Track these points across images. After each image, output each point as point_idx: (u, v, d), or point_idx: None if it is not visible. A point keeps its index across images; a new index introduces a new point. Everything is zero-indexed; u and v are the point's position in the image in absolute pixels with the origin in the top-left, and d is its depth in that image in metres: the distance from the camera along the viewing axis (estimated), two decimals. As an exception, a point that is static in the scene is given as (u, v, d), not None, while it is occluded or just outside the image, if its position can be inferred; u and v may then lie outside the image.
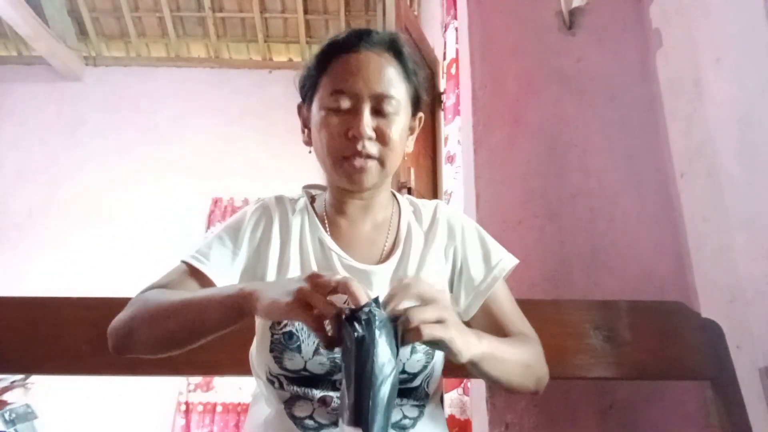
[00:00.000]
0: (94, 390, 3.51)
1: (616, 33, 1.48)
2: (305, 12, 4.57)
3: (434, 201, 0.91)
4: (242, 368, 0.84)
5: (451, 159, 2.06)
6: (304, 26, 4.65)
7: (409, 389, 0.75)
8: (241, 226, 0.82)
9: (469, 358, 0.63)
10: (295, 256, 0.80)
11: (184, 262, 0.79)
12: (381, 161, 0.77)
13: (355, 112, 0.75)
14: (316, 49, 0.82)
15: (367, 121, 0.75)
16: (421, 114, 0.87)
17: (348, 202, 0.83)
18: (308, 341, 0.73)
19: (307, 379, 0.73)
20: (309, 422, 0.73)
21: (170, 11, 4.55)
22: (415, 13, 3.28)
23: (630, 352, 1.07)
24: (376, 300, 0.57)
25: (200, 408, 3.84)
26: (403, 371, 0.74)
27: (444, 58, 2.33)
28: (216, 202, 4.34)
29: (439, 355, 0.79)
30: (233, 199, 4.34)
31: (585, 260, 1.28)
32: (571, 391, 1.19)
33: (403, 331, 0.57)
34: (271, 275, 0.79)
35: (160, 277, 0.79)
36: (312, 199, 0.88)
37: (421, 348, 0.75)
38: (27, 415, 3.06)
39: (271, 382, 0.75)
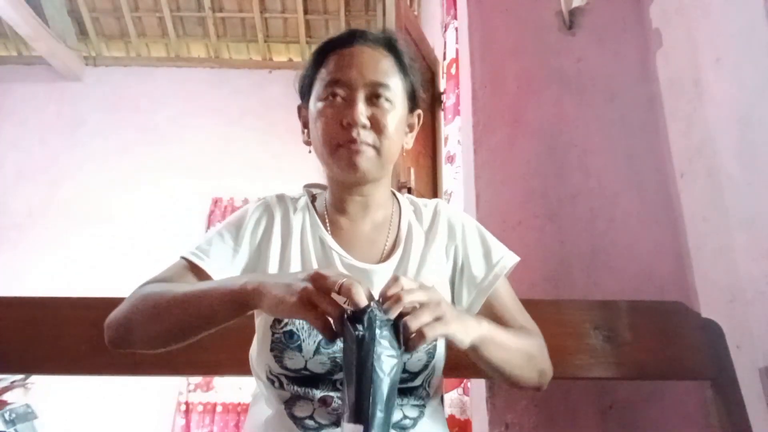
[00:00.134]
0: (94, 390, 3.51)
1: (616, 33, 1.48)
2: (305, 12, 4.57)
3: (434, 200, 0.91)
4: (242, 368, 0.84)
5: (451, 159, 2.06)
6: (304, 26, 4.65)
7: (410, 388, 0.75)
8: (242, 224, 0.82)
9: (471, 342, 0.64)
10: (296, 255, 0.80)
11: (183, 258, 0.79)
12: (377, 149, 0.77)
13: (349, 101, 0.76)
14: (313, 49, 0.83)
15: (361, 109, 0.75)
16: (419, 111, 0.87)
17: (348, 200, 0.83)
18: (309, 340, 0.73)
19: (307, 378, 0.73)
20: (309, 422, 0.73)
21: (170, 11, 4.55)
22: (415, 13, 3.28)
23: (630, 352, 1.07)
24: (377, 302, 0.58)
25: (200, 408, 3.84)
26: (404, 370, 0.74)
27: (444, 58, 2.33)
28: (216, 202, 4.34)
29: (440, 355, 0.79)
30: (233, 199, 4.34)
31: (585, 260, 1.28)
32: (571, 391, 1.19)
33: (406, 339, 0.57)
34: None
35: (159, 272, 0.78)
36: (313, 198, 0.88)
37: (422, 347, 0.75)
38: (27, 415, 3.06)
39: (272, 382, 0.75)
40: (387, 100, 0.77)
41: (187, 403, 3.83)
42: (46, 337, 1.06)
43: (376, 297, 0.59)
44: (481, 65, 1.48)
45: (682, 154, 1.29)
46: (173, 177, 4.35)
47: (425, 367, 0.76)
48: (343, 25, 4.61)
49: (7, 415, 2.96)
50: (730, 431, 0.99)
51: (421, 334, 0.57)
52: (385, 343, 0.55)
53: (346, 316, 0.56)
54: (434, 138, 2.57)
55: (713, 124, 1.16)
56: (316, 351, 0.72)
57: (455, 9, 2.00)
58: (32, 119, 4.56)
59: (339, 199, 0.84)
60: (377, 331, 0.55)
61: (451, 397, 1.64)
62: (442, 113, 2.45)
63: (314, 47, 0.84)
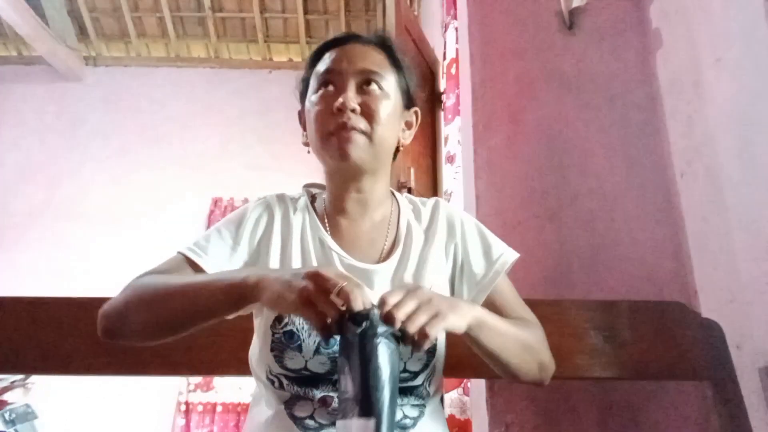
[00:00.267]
0: (94, 390, 3.51)
1: (616, 33, 1.48)
2: (305, 12, 4.57)
3: (433, 198, 0.91)
4: (242, 368, 0.84)
5: (451, 159, 2.06)
6: (304, 26, 4.66)
7: (410, 388, 0.75)
8: (241, 222, 0.82)
9: (467, 325, 0.64)
10: (297, 255, 0.80)
11: (180, 253, 0.78)
12: (369, 137, 0.77)
13: (340, 89, 0.77)
14: (313, 49, 0.85)
15: (351, 94, 0.76)
16: (416, 108, 0.87)
17: (345, 197, 0.83)
18: (309, 341, 0.73)
19: (307, 378, 0.73)
20: (309, 422, 0.73)
21: (170, 11, 4.55)
22: (415, 13, 3.28)
23: (630, 352, 1.07)
24: (375, 306, 0.58)
25: (200, 408, 3.84)
26: (405, 370, 0.74)
27: (444, 58, 2.33)
28: (216, 202, 4.35)
29: (440, 354, 0.79)
30: (233, 199, 4.34)
31: (585, 260, 1.28)
32: (571, 391, 1.19)
33: (411, 343, 0.58)
34: None
35: (156, 265, 0.78)
36: (312, 199, 0.88)
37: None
38: (27, 415, 3.06)
39: (272, 382, 0.75)
40: (378, 88, 0.78)
41: (187, 403, 3.83)
42: (46, 337, 1.06)
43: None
44: (481, 65, 1.48)
45: (682, 154, 1.29)
46: (173, 177, 4.35)
47: (426, 366, 0.76)
48: (343, 25, 4.61)
49: (7, 415, 2.96)
50: (730, 431, 0.99)
51: (424, 335, 0.57)
52: (386, 341, 0.56)
53: (347, 316, 0.57)
54: (434, 138, 2.57)
55: (713, 124, 1.16)
56: (316, 351, 0.72)
57: (455, 9, 2.00)
58: (32, 119, 4.56)
59: (337, 197, 0.84)
60: (379, 329, 0.56)
61: (451, 397, 1.64)
62: (442, 113, 2.45)
63: (314, 47, 0.85)
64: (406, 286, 0.64)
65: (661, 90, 1.39)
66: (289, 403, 0.74)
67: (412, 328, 0.57)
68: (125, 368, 1.07)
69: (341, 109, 0.75)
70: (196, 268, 0.77)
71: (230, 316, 0.73)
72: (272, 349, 0.74)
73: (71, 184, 4.34)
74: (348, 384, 0.56)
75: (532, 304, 0.88)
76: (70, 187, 4.32)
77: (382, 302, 0.58)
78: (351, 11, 4.61)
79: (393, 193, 0.90)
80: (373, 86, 0.78)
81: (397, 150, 0.86)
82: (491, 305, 0.83)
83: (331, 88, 0.78)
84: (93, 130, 4.52)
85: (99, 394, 3.51)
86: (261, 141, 4.46)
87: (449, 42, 2.20)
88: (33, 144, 4.48)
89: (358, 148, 0.76)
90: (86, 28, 4.65)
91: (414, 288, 0.61)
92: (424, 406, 0.77)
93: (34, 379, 3.29)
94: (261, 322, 0.77)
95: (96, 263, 3.96)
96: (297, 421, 0.73)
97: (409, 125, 0.86)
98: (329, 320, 0.57)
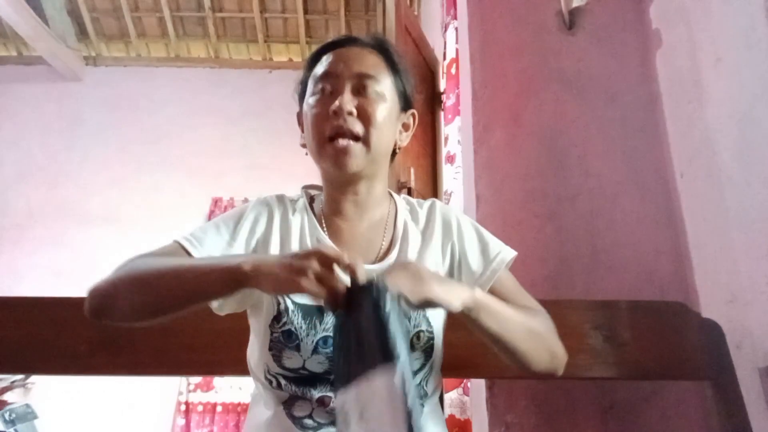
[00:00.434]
0: (94, 390, 3.51)
1: (616, 33, 1.48)
2: (305, 12, 4.57)
3: (429, 199, 0.91)
4: (242, 368, 0.84)
5: (451, 159, 2.06)
6: (304, 26, 4.66)
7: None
8: (240, 219, 0.82)
9: (462, 304, 0.66)
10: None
11: (177, 241, 0.78)
12: (365, 142, 0.77)
13: (336, 92, 0.78)
14: (313, 49, 0.86)
15: (348, 97, 0.76)
16: (413, 111, 0.87)
17: (341, 200, 0.83)
18: (307, 340, 0.73)
19: (305, 378, 0.74)
20: (308, 421, 0.73)
21: (170, 11, 4.55)
22: (415, 13, 3.28)
23: (630, 352, 1.07)
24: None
25: (200, 408, 3.84)
26: None
27: (444, 58, 2.33)
28: (216, 202, 4.35)
29: (437, 353, 0.79)
30: (233, 199, 4.35)
31: (585, 260, 1.28)
32: (571, 391, 1.19)
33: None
34: None
35: (151, 250, 0.77)
36: (311, 200, 0.88)
37: (419, 346, 0.75)
38: (27, 415, 3.06)
39: (270, 382, 0.75)
40: (375, 91, 0.78)
41: (187, 403, 3.83)
42: (46, 337, 1.06)
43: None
44: (481, 65, 1.48)
45: (682, 154, 1.29)
46: (173, 177, 4.35)
47: (422, 366, 0.76)
48: (343, 25, 4.61)
49: (7, 415, 2.96)
50: (730, 431, 0.99)
51: (404, 298, 0.60)
52: (393, 300, 0.58)
53: (355, 287, 0.59)
54: (434, 138, 2.57)
55: (713, 124, 1.16)
56: (315, 350, 0.73)
57: (455, 9, 2.00)
58: (32, 119, 4.55)
59: (334, 199, 0.84)
60: (388, 295, 0.58)
61: (451, 397, 1.64)
62: (442, 113, 2.45)
63: (314, 47, 0.85)
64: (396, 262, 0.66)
65: (661, 90, 1.39)
66: (288, 403, 0.74)
67: (393, 289, 0.59)
68: (125, 368, 1.08)
69: (337, 113, 0.75)
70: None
71: (216, 303, 0.75)
72: (270, 349, 0.74)
73: (71, 184, 4.34)
74: (359, 346, 0.58)
75: (532, 303, 0.88)
76: (70, 187, 4.32)
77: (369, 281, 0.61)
78: (351, 11, 4.61)
79: (391, 194, 0.90)
80: (370, 89, 0.78)
81: (394, 152, 0.86)
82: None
83: (328, 91, 0.78)
84: (93, 130, 4.52)
85: (99, 394, 3.51)
86: (261, 141, 4.46)
87: (449, 42, 2.20)
88: (33, 144, 4.48)
89: (354, 157, 0.76)
90: (86, 28, 4.65)
91: (407, 262, 0.64)
92: (422, 405, 0.77)
93: (34, 379, 3.29)
94: (259, 321, 0.77)
95: (96, 263, 3.95)
96: (296, 420, 0.73)
97: (406, 127, 0.86)
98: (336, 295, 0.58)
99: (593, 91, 1.43)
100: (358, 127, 0.76)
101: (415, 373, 0.75)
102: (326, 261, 0.59)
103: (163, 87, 4.71)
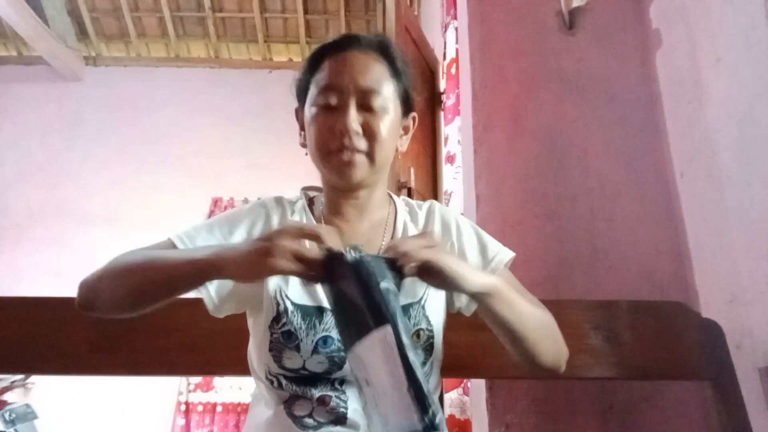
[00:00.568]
0: (94, 390, 3.51)
1: (616, 33, 1.48)
2: (305, 12, 4.57)
3: (428, 201, 0.91)
4: (242, 368, 0.84)
5: (451, 159, 2.06)
6: (304, 26, 4.66)
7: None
8: (234, 221, 0.81)
9: (479, 287, 0.66)
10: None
11: (169, 238, 0.79)
12: (370, 156, 0.77)
13: (342, 107, 0.76)
14: (313, 49, 0.84)
15: (353, 116, 0.75)
16: (414, 114, 0.87)
17: (343, 203, 0.83)
18: (307, 340, 0.73)
19: (306, 378, 0.74)
20: (308, 421, 0.73)
21: (170, 11, 4.55)
22: (415, 13, 3.28)
23: (630, 352, 1.07)
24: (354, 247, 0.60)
25: (200, 408, 3.84)
26: None
27: (444, 58, 2.33)
28: (216, 202, 4.35)
29: (437, 352, 0.79)
30: (233, 199, 4.35)
31: (585, 260, 1.28)
32: (571, 391, 1.19)
33: (396, 257, 0.61)
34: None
35: (146, 246, 0.79)
36: (310, 201, 0.88)
37: (419, 344, 0.75)
38: (27, 415, 3.06)
39: (271, 382, 0.75)
40: (379, 106, 0.77)
41: (187, 403, 3.83)
42: (45, 337, 1.06)
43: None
44: (481, 65, 1.48)
45: (682, 154, 1.29)
46: (173, 177, 4.35)
47: (423, 364, 0.76)
48: (343, 25, 4.61)
49: (7, 415, 2.96)
50: (730, 431, 0.99)
51: (407, 256, 0.61)
52: (378, 262, 0.59)
53: (332, 255, 0.59)
54: (434, 138, 2.57)
55: (713, 124, 1.16)
56: (314, 350, 0.73)
57: (455, 9, 2.00)
58: (32, 119, 4.56)
59: (334, 202, 0.84)
60: (368, 258, 0.58)
61: (451, 397, 1.64)
62: (442, 113, 2.45)
63: (314, 47, 0.84)
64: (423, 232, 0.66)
65: (661, 90, 1.39)
66: (288, 403, 0.75)
67: (402, 247, 0.61)
68: (125, 368, 1.07)
69: (343, 132, 0.75)
70: None
71: (212, 305, 0.76)
72: (270, 350, 0.74)
73: (71, 184, 4.34)
74: (350, 312, 0.58)
75: (532, 303, 0.88)
76: (70, 187, 4.32)
77: (392, 247, 0.63)
78: (351, 11, 4.61)
79: (390, 196, 0.90)
80: (374, 104, 0.77)
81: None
82: None
83: (332, 104, 0.77)
84: (93, 130, 4.52)
85: (99, 394, 3.51)
86: (261, 141, 4.46)
87: (449, 42, 2.20)
88: (33, 144, 4.48)
89: (359, 169, 0.77)
90: (86, 28, 4.65)
91: (427, 233, 0.64)
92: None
93: (34, 379, 3.29)
94: (258, 322, 0.77)
95: (96, 263, 3.95)
96: (296, 419, 0.73)
97: (406, 130, 0.86)
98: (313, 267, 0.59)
99: (593, 91, 1.43)
100: (363, 144, 0.76)
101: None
102: (292, 236, 0.59)
103: (163, 87, 4.71)
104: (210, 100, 4.67)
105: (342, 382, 0.74)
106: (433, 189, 2.43)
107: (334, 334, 0.73)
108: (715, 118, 1.15)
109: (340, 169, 0.76)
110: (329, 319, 0.73)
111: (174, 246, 0.77)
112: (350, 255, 0.58)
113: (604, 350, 1.06)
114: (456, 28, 2.00)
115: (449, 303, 0.83)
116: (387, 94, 0.78)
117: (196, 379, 3.87)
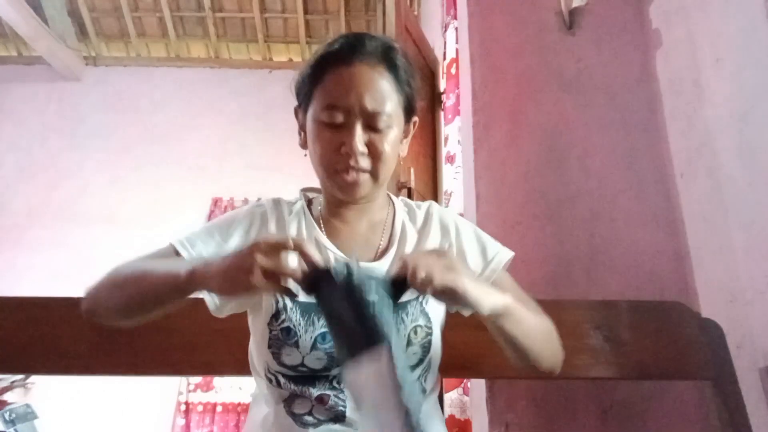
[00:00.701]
0: (94, 390, 3.51)
1: (616, 33, 1.48)
2: (305, 12, 4.57)
3: (427, 201, 0.91)
4: (242, 368, 0.85)
5: (451, 159, 2.06)
6: (304, 26, 4.65)
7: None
8: (232, 223, 0.82)
9: (492, 308, 0.65)
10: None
11: (171, 243, 0.80)
12: (374, 174, 0.77)
13: (347, 127, 0.75)
14: (311, 57, 0.81)
15: (359, 138, 0.74)
16: (415, 118, 0.86)
17: (343, 207, 0.83)
18: (305, 336, 0.73)
19: (305, 376, 0.74)
20: (308, 418, 0.74)
21: (170, 11, 4.55)
22: (415, 13, 3.28)
23: (630, 352, 1.07)
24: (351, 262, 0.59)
25: (200, 408, 3.84)
26: None
27: (444, 58, 2.33)
28: (216, 202, 4.35)
29: (435, 350, 0.79)
30: (233, 199, 4.35)
31: (585, 260, 1.28)
32: (571, 391, 1.19)
33: (411, 280, 0.59)
34: None
35: (149, 251, 0.80)
36: (309, 202, 0.88)
37: (416, 341, 0.75)
38: (27, 415, 3.06)
39: (270, 380, 0.76)
40: (385, 125, 0.76)
41: (187, 403, 3.83)
42: (46, 337, 1.06)
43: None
44: (481, 65, 1.48)
45: (682, 154, 1.29)
46: (173, 177, 4.35)
47: (420, 361, 0.76)
48: (343, 25, 4.61)
49: (7, 415, 2.96)
50: (730, 431, 0.99)
51: (429, 279, 0.59)
52: (371, 280, 0.58)
53: (318, 271, 0.58)
54: (434, 138, 2.57)
55: (713, 124, 1.16)
56: (313, 347, 0.73)
57: (455, 9, 2.00)
58: (32, 119, 4.56)
59: (333, 204, 0.84)
60: (358, 272, 0.57)
61: (451, 397, 1.64)
62: (442, 113, 2.45)
63: (314, 47, 0.83)
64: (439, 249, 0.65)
65: (661, 90, 1.39)
66: (288, 401, 0.75)
67: (422, 265, 0.59)
68: (125, 368, 1.08)
69: (349, 153, 0.74)
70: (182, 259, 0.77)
71: (213, 306, 0.77)
72: (270, 346, 0.74)
73: (71, 184, 4.33)
74: (341, 329, 0.57)
75: (532, 304, 0.88)
76: (70, 187, 4.32)
77: (402, 261, 0.62)
78: (351, 11, 4.61)
79: (389, 196, 0.90)
80: (380, 125, 0.75)
81: None
82: None
83: (338, 122, 0.75)
84: (93, 130, 4.52)
85: (99, 394, 3.51)
86: (261, 141, 4.45)
87: (449, 42, 2.20)
88: (33, 144, 4.48)
89: (363, 188, 0.77)
90: (86, 28, 4.65)
91: (444, 251, 0.63)
92: (420, 399, 0.77)
93: (34, 379, 3.29)
94: (258, 320, 0.78)
95: (96, 263, 3.95)
96: (296, 417, 0.74)
97: (406, 134, 0.85)
98: (297, 282, 0.59)
99: (593, 91, 1.43)
100: (367, 164, 0.76)
101: (414, 367, 0.75)
102: (265, 252, 0.59)
103: (163, 87, 4.71)
104: (210, 100, 4.67)
105: (340, 380, 0.74)
106: (433, 189, 2.43)
107: None
108: (715, 118, 1.16)
109: (345, 188, 0.77)
110: None
111: (175, 251, 0.78)
112: (337, 272, 0.57)
113: (604, 350, 1.06)
114: (456, 28, 2.00)
115: None
116: (391, 110, 0.77)
117: (196, 379, 3.87)
